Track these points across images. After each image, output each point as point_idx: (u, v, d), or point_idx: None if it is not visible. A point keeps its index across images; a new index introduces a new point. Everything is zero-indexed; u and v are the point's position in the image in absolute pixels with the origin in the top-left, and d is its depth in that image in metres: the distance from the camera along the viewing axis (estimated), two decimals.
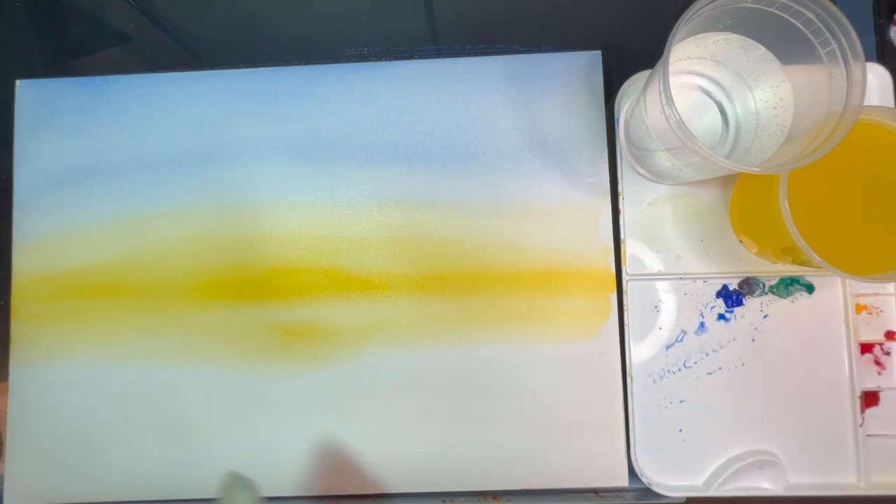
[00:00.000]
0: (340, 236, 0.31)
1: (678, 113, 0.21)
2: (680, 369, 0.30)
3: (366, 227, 0.31)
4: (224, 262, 0.31)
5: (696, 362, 0.30)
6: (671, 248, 0.30)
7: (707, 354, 0.30)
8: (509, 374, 0.30)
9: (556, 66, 0.32)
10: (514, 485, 0.30)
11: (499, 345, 0.30)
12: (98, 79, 0.32)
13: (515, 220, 0.31)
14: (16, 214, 0.32)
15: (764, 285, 0.30)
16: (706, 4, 0.21)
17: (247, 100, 0.32)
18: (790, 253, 0.25)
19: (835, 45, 0.22)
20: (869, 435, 0.29)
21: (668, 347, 0.30)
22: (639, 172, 0.30)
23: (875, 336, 0.29)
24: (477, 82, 0.32)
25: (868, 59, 0.23)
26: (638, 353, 0.30)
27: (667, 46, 0.21)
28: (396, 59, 0.32)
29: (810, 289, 0.30)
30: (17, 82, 0.32)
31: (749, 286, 0.30)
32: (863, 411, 0.29)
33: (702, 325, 0.30)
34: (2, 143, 0.32)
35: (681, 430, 0.29)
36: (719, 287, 0.30)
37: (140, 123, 0.32)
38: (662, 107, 0.22)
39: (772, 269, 0.30)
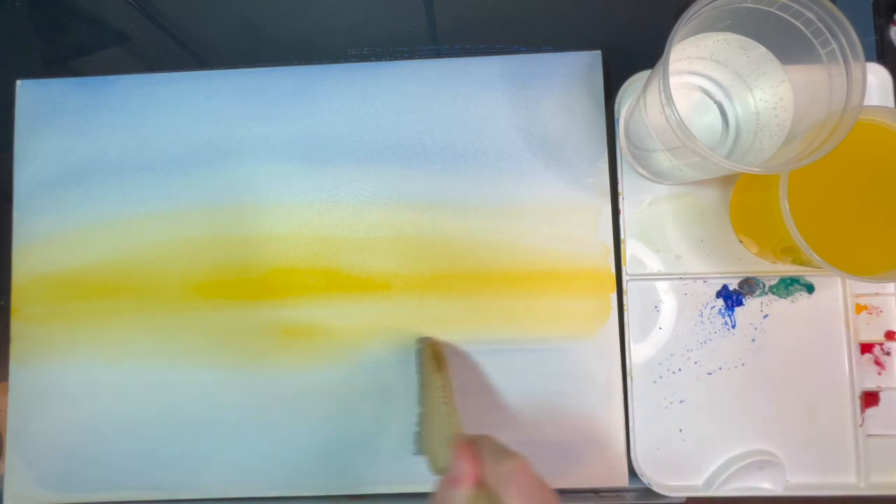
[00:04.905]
0: (340, 236, 0.31)
1: (678, 113, 0.21)
2: (680, 369, 0.30)
3: (366, 227, 0.31)
4: (224, 262, 0.31)
5: (696, 362, 0.30)
6: (671, 247, 0.30)
7: (707, 354, 0.30)
8: (509, 373, 0.30)
9: (556, 66, 0.32)
10: None
11: (498, 345, 0.30)
12: (98, 79, 0.32)
13: (515, 220, 0.31)
14: (16, 214, 0.32)
15: (764, 285, 0.30)
16: (706, 4, 0.21)
17: (247, 100, 0.32)
18: (790, 253, 0.25)
19: (835, 45, 0.22)
20: (869, 435, 0.29)
21: (668, 347, 0.30)
22: (639, 172, 0.30)
23: (875, 336, 0.29)
24: (477, 82, 0.32)
25: (868, 59, 0.23)
26: (638, 352, 0.30)
27: (667, 46, 0.21)
28: (396, 59, 0.32)
29: (810, 289, 0.30)
30: (18, 82, 0.32)
31: (749, 286, 0.30)
32: (863, 411, 0.29)
33: (702, 325, 0.30)
34: (2, 143, 0.32)
35: (681, 430, 0.29)
36: (719, 287, 0.30)
37: (140, 123, 0.32)
38: (662, 107, 0.22)
39: (772, 269, 0.30)
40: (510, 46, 0.32)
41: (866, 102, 0.21)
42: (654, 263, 0.30)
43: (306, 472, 0.30)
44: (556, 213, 0.31)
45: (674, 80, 0.26)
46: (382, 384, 0.30)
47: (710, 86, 0.26)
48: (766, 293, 0.30)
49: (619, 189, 0.30)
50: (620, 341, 0.30)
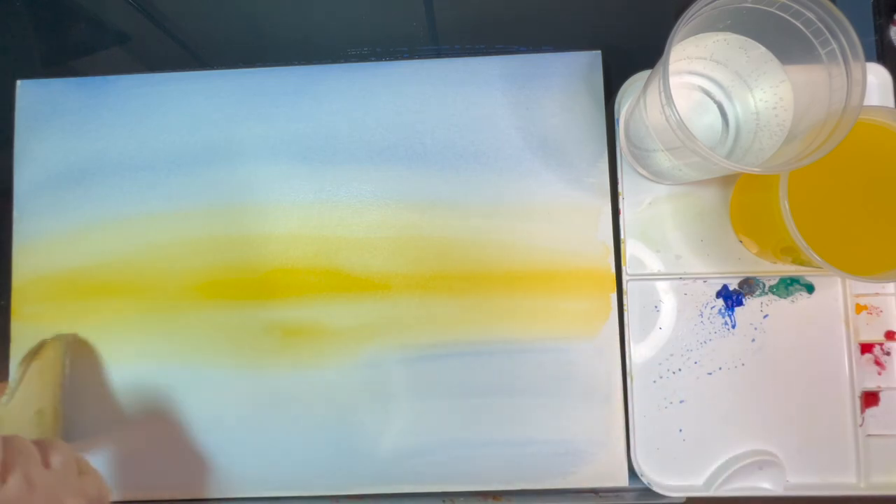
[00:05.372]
0: (340, 236, 0.31)
1: (678, 113, 0.21)
2: (680, 369, 0.30)
3: (366, 227, 0.31)
4: (224, 262, 0.31)
5: (696, 362, 0.30)
6: (671, 247, 0.30)
7: (707, 354, 0.30)
8: (509, 373, 0.30)
9: (556, 66, 0.32)
10: (514, 485, 0.30)
11: (498, 345, 0.30)
12: (98, 79, 0.32)
13: (515, 220, 0.31)
14: (16, 214, 0.32)
15: (764, 285, 0.30)
16: (706, 4, 0.21)
17: (247, 100, 0.32)
18: (790, 253, 0.25)
19: (835, 45, 0.22)
20: (869, 435, 0.29)
21: (668, 347, 0.30)
22: (639, 172, 0.30)
23: (875, 336, 0.29)
24: (477, 82, 0.32)
25: (868, 59, 0.23)
26: (638, 352, 0.30)
27: (667, 46, 0.21)
28: (396, 59, 0.32)
29: (810, 289, 0.30)
30: (18, 82, 0.32)
31: (749, 286, 0.30)
32: (863, 411, 0.29)
33: (702, 325, 0.30)
34: (2, 143, 0.32)
35: (681, 430, 0.29)
36: (719, 287, 0.30)
37: (140, 123, 0.32)
38: (662, 107, 0.22)
39: (772, 269, 0.30)
40: (510, 46, 0.32)
41: (866, 102, 0.21)
42: (654, 263, 0.30)
43: (306, 472, 0.30)
44: (556, 213, 0.31)
45: (674, 80, 0.26)
46: (382, 384, 0.30)
47: (710, 86, 0.26)
48: (766, 293, 0.30)
49: (619, 189, 0.30)
50: (620, 341, 0.30)
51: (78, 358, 0.31)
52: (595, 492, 0.30)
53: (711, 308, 0.30)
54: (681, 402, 0.29)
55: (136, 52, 0.34)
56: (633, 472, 0.29)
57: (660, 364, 0.30)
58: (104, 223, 0.31)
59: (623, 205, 0.30)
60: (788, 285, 0.30)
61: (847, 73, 0.21)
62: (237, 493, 0.30)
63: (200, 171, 0.32)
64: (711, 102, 0.26)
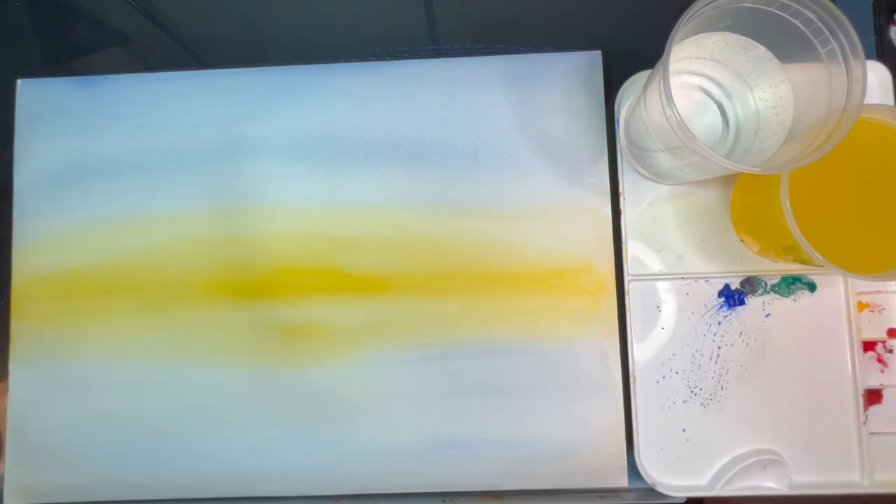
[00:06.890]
0: (340, 236, 0.31)
1: (678, 113, 0.21)
2: (683, 369, 0.30)
3: (366, 227, 0.31)
4: (224, 262, 0.31)
5: (698, 362, 0.30)
6: (672, 247, 0.30)
7: (710, 354, 0.30)
8: (509, 374, 0.30)
9: (556, 66, 0.32)
10: (514, 485, 0.30)
11: (499, 345, 0.30)
12: (98, 78, 0.32)
13: (515, 220, 0.31)
14: (16, 214, 0.32)
15: (766, 284, 0.30)
16: (706, 4, 0.21)
17: (247, 100, 0.32)
18: (792, 252, 0.25)
19: (834, 45, 0.22)
20: (872, 433, 0.29)
21: (670, 347, 0.30)
22: (639, 172, 0.30)
23: (877, 334, 0.29)
24: (477, 82, 0.32)
25: (868, 58, 0.23)
26: (640, 353, 0.30)
27: (667, 46, 0.21)
28: (396, 59, 0.32)
29: (812, 287, 0.30)
30: (18, 82, 0.32)
31: (751, 285, 0.30)
32: (866, 409, 0.29)
33: (704, 324, 0.30)
34: (2, 143, 0.32)
35: (684, 430, 0.29)
36: (721, 286, 0.30)
37: (140, 123, 0.32)
38: (663, 107, 0.22)
39: (774, 268, 0.30)
40: (510, 46, 0.32)
41: (866, 101, 0.21)
42: (655, 263, 0.30)
43: (306, 472, 0.30)
44: (556, 213, 0.31)
45: (674, 80, 0.26)
46: (382, 383, 0.30)
47: (710, 86, 0.26)
48: (768, 292, 0.30)
49: (620, 189, 0.30)
50: (622, 341, 0.30)
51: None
52: (595, 492, 0.30)
53: (713, 308, 0.30)
54: (684, 401, 0.29)
55: (136, 52, 0.34)
56: (632, 473, 0.29)
57: (662, 364, 0.30)
58: (104, 223, 0.31)
59: (624, 205, 0.30)
60: (790, 284, 0.30)
61: (847, 71, 0.21)
62: (237, 493, 0.30)
63: (200, 171, 0.32)
64: (711, 102, 0.26)
